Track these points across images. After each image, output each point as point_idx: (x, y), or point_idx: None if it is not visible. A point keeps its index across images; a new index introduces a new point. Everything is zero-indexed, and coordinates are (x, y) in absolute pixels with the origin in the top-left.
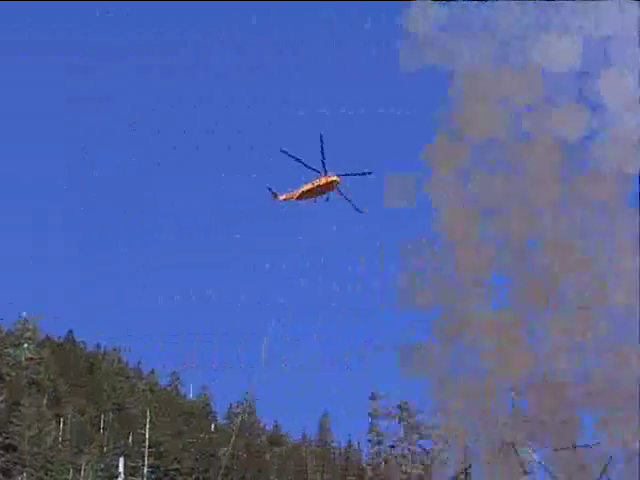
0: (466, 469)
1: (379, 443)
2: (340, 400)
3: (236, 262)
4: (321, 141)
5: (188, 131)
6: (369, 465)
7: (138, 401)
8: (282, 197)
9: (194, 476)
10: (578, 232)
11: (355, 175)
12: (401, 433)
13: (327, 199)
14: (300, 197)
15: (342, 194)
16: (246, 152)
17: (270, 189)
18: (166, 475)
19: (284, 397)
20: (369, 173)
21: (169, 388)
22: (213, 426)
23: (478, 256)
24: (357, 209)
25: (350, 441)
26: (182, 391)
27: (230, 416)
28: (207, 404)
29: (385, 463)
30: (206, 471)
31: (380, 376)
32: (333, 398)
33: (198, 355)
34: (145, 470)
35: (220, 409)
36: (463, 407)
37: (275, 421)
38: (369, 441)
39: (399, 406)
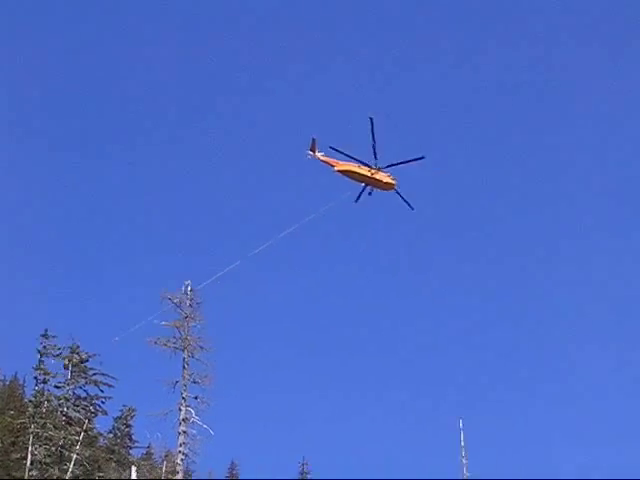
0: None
1: (44, 382)
2: (9, 333)
3: None
4: (372, 125)
5: None
6: (31, 402)
7: None
8: (321, 157)
9: None
10: None
11: (407, 162)
12: (68, 375)
13: (370, 193)
14: (343, 172)
15: (399, 194)
16: None
17: (314, 140)
18: None
19: None
20: (421, 158)
21: None
22: None
23: None
24: (410, 206)
25: (16, 374)
26: None
27: None
28: None
29: (47, 402)
30: None
31: (53, 314)
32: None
33: None
34: None
35: None
36: None
37: None
38: (35, 378)
39: (70, 348)
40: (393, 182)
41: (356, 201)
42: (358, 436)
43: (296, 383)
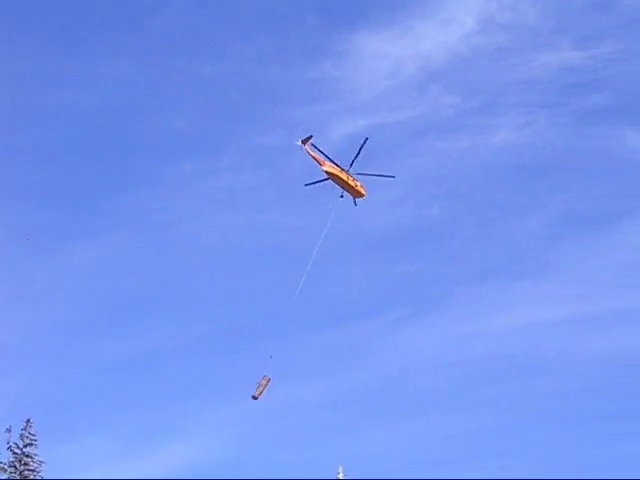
0: None
1: None
2: None
3: None
4: (364, 143)
5: None
6: None
7: None
8: (310, 151)
9: None
10: None
11: (377, 176)
12: None
13: (342, 196)
14: (330, 174)
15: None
16: None
17: (311, 137)
18: None
19: None
20: (391, 176)
21: None
22: None
23: None
24: (355, 203)
25: None
26: None
27: None
28: None
29: None
30: None
31: None
32: None
33: None
34: None
35: None
36: None
37: None
38: None
39: None
40: (365, 193)
41: (341, 196)
42: None
43: None
